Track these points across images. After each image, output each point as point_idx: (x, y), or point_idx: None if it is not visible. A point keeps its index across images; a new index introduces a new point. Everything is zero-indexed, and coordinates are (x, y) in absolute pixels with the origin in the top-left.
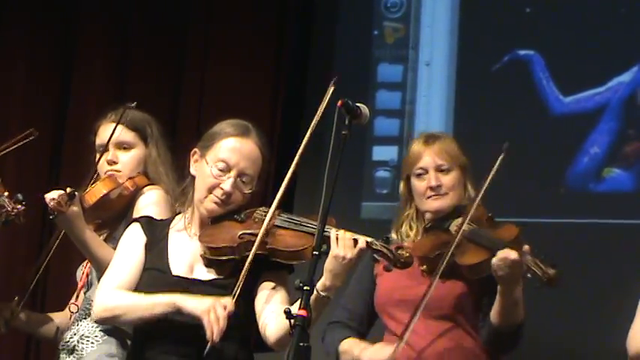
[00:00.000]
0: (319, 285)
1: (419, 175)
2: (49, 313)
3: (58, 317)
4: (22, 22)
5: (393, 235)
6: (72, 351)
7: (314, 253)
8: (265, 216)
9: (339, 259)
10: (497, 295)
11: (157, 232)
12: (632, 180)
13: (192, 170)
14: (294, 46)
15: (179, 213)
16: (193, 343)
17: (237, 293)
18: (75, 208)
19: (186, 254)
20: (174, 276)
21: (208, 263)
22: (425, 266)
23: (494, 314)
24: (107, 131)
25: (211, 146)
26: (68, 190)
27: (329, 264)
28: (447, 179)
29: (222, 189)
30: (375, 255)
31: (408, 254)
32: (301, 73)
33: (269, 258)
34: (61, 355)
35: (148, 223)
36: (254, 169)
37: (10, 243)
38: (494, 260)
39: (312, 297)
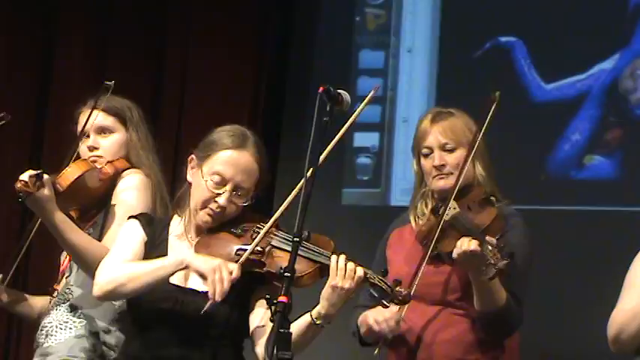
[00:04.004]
0: (314, 312)
1: (425, 155)
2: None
3: (40, 301)
4: (1, 9)
5: (410, 216)
6: (47, 336)
7: (294, 239)
8: (262, 230)
9: (337, 290)
10: None
11: (156, 233)
12: (613, 167)
13: (189, 177)
14: (276, 32)
15: (174, 215)
16: (192, 333)
17: (244, 259)
18: (45, 191)
19: None
20: (170, 284)
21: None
22: (422, 252)
23: (474, 300)
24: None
25: (208, 157)
26: (37, 171)
27: (326, 293)
28: (452, 158)
29: (217, 202)
30: (372, 290)
31: (406, 292)
32: (283, 59)
33: (265, 279)
34: (39, 340)
35: (147, 221)
36: (250, 182)
37: None
38: (454, 250)
39: (306, 323)
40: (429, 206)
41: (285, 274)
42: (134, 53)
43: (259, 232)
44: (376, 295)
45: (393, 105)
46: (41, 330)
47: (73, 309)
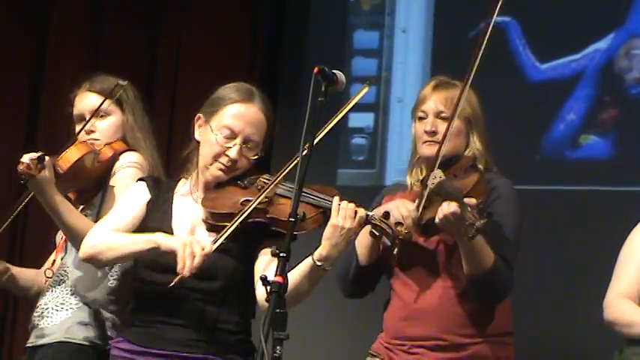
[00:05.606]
0: (316, 254)
1: (420, 119)
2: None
3: (33, 274)
4: None
5: (408, 179)
6: (42, 317)
7: (290, 219)
8: (268, 183)
9: (337, 229)
10: None
11: (162, 192)
12: (608, 147)
13: (197, 136)
14: (270, 13)
15: (182, 178)
16: (191, 310)
17: (220, 242)
18: (46, 173)
19: (188, 218)
20: None
21: (210, 228)
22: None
23: (463, 265)
24: (83, 101)
25: (216, 112)
26: (39, 153)
27: (327, 233)
28: (445, 127)
29: (228, 156)
30: (373, 230)
31: (407, 231)
32: (278, 40)
33: (269, 227)
34: (35, 322)
35: (153, 181)
36: (259, 135)
37: None
38: (436, 216)
39: (308, 266)
40: (424, 172)
41: (281, 254)
42: (128, 33)
43: (265, 184)
44: (377, 234)
45: (387, 85)
46: (37, 311)
47: (70, 290)
